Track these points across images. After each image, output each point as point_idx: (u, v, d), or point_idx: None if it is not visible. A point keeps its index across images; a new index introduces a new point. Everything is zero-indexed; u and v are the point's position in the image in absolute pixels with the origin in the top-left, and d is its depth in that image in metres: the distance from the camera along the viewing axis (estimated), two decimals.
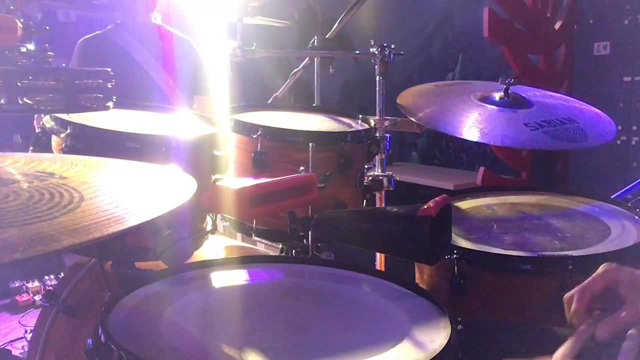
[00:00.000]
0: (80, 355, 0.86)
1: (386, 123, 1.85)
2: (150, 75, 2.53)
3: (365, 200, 1.67)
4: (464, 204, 1.64)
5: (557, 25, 3.22)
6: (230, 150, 1.49)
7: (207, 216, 1.47)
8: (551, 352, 0.84)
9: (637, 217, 1.48)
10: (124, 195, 0.83)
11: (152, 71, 2.55)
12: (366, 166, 1.68)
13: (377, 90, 1.88)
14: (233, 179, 1.34)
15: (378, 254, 2.06)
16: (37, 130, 1.32)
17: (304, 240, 1.50)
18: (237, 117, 1.56)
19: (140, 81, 2.49)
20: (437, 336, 0.90)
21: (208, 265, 1.17)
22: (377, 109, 1.87)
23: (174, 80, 2.60)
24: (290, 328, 0.93)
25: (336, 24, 2.15)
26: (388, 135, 1.82)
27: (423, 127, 1.76)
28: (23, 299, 3.65)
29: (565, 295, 0.90)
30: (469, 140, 1.53)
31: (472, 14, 3.84)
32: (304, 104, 1.89)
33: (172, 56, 2.62)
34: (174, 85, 2.60)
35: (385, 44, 1.87)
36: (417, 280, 1.48)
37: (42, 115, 1.36)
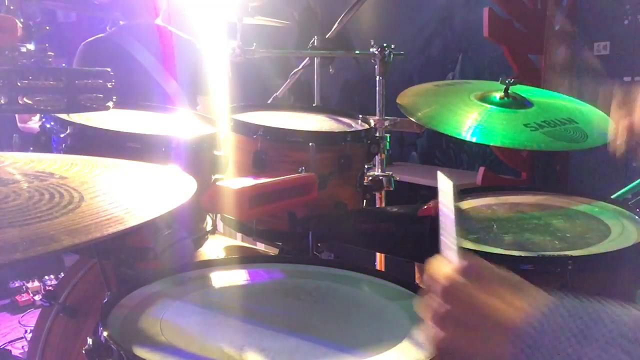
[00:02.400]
0: (80, 355, 0.86)
1: (386, 123, 1.85)
2: (152, 76, 2.53)
3: (365, 200, 1.67)
4: (464, 204, 1.64)
5: (557, 26, 3.22)
6: (230, 150, 1.49)
7: (207, 216, 1.47)
8: None
9: (637, 217, 1.48)
10: (124, 195, 0.83)
11: (155, 72, 2.54)
12: (366, 166, 1.68)
13: (377, 90, 1.89)
14: (233, 179, 1.34)
15: (378, 254, 2.06)
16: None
17: (304, 240, 1.50)
18: (237, 117, 1.56)
19: (143, 83, 2.48)
20: None
21: (208, 265, 1.17)
22: (377, 109, 1.87)
23: (176, 81, 2.60)
24: (290, 328, 0.92)
25: (336, 24, 2.15)
26: (388, 135, 1.82)
27: (423, 127, 1.76)
28: (23, 299, 3.64)
29: None
30: (469, 140, 1.53)
31: (472, 14, 3.84)
32: (304, 104, 1.89)
33: (173, 57, 2.61)
34: (176, 86, 2.59)
35: (385, 44, 1.87)
36: (417, 280, 1.48)
37: (40, 115, 1.36)
